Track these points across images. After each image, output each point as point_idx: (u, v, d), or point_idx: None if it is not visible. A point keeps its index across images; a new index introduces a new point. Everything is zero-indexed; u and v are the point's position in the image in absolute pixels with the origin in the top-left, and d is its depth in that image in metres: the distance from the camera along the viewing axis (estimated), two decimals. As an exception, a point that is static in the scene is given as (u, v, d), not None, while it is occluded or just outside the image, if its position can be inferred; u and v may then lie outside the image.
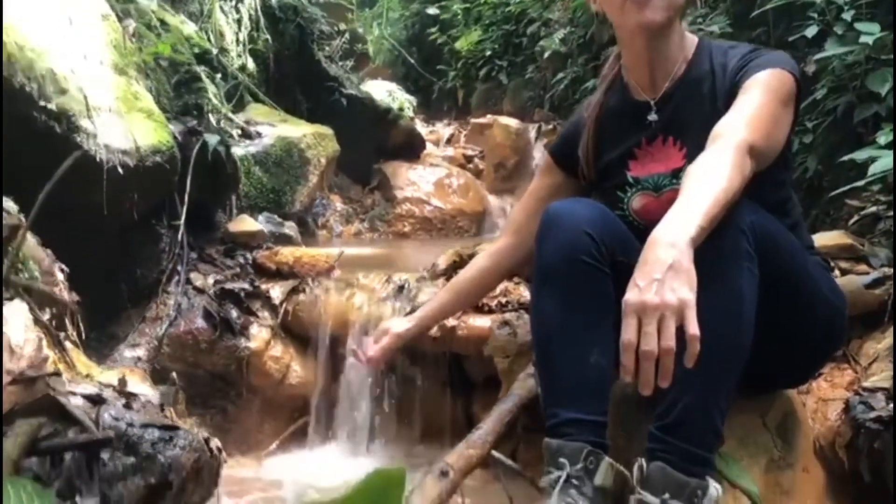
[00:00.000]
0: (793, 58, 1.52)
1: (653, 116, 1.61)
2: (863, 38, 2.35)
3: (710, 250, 1.21)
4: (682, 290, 1.11)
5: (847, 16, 2.49)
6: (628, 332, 1.11)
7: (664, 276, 1.12)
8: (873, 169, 2.08)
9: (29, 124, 2.09)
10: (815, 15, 2.59)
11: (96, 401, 1.46)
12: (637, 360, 1.11)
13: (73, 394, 1.44)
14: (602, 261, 1.48)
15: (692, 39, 1.63)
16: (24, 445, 1.06)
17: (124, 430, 1.40)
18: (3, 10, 2.01)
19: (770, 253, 1.36)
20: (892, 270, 2.04)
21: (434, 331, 2.14)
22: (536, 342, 1.54)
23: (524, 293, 2.34)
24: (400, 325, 1.87)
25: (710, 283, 1.18)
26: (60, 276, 2.10)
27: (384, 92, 5.28)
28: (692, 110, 1.57)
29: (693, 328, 1.10)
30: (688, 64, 1.60)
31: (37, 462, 1.17)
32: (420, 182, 4.43)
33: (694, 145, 1.55)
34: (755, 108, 1.39)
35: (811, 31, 2.58)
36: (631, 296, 1.14)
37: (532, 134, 4.79)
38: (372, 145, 4.59)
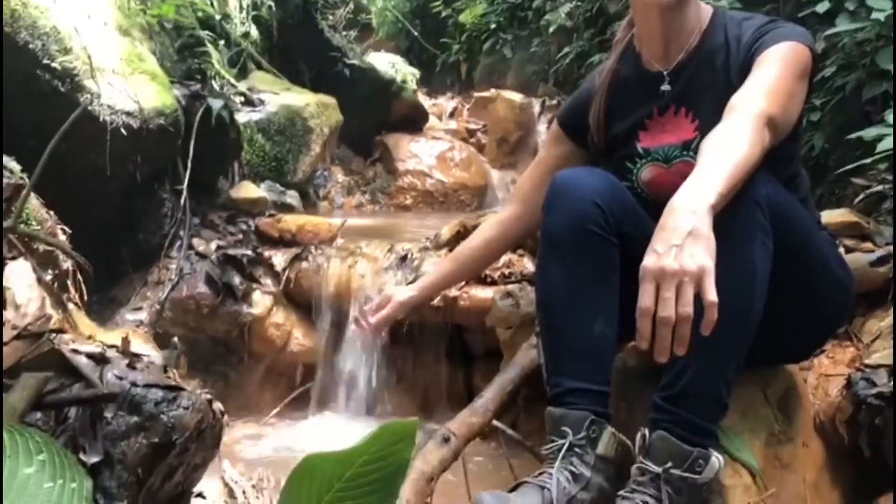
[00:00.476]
0: (802, 35, 1.50)
1: (665, 87, 1.59)
2: (875, 15, 2.33)
3: (724, 222, 1.19)
4: (702, 257, 1.10)
5: (859, -9, 2.46)
6: (646, 298, 1.10)
7: (683, 242, 1.11)
8: (882, 146, 2.07)
9: (33, 83, 2.07)
10: (827, -10, 2.57)
11: (99, 360, 1.45)
12: (653, 327, 1.10)
13: (77, 352, 1.44)
14: (609, 231, 1.47)
15: (707, 10, 1.61)
16: (31, 399, 1.06)
17: (128, 389, 1.40)
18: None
19: (783, 226, 1.35)
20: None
21: (436, 301, 2.14)
22: (541, 311, 1.54)
23: (527, 265, 2.34)
24: (402, 292, 1.86)
25: (724, 254, 1.16)
26: (63, 238, 2.10)
27: (387, 64, 5.22)
28: (705, 82, 1.55)
29: (712, 295, 1.08)
30: (702, 35, 1.58)
31: (41, 417, 1.17)
32: (422, 155, 4.42)
33: (706, 117, 1.54)
34: (773, 80, 1.38)
35: (822, 7, 2.55)
36: (649, 261, 1.12)
37: (536, 109, 4.77)
38: (374, 117, 4.57)
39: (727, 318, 1.18)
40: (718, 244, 1.14)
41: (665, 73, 1.59)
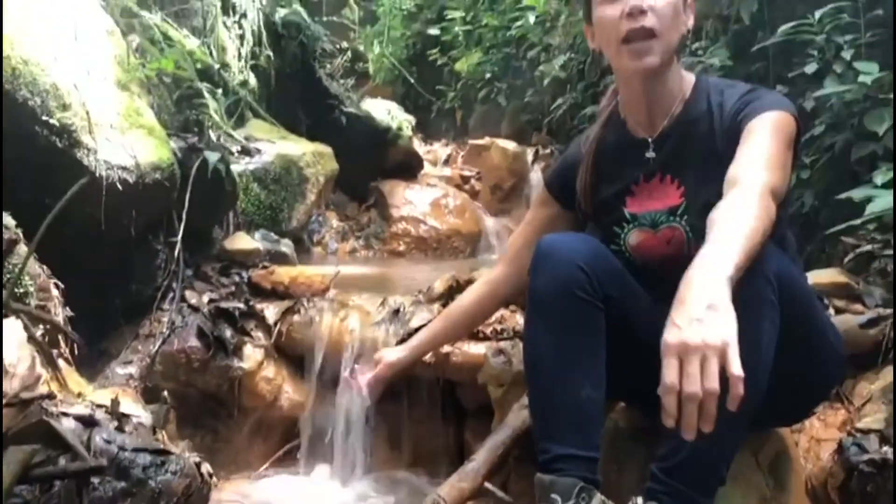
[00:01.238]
0: (791, 94, 1.53)
1: (650, 154, 1.62)
2: (861, 78, 2.37)
3: (735, 297, 1.16)
4: (724, 330, 1.08)
5: (846, 55, 2.51)
6: (670, 374, 1.07)
7: (704, 315, 1.09)
8: (871, 208, 2.09)
9: (31, 139, 2.09)
10: (815, 52, 2.61)
11: (88, 423, 1.45)
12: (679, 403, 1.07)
13: (66, 415, 1.44)
14: (595, 295, 1.48)
15: (689, 78, 1.64)
16: (17, 474, 1.05)
17: (116, 453, 1.40)
18: (2, 25, 2.02)
19: (789, 300, 1.36)
20: (886, 311, 2.05)
21: (428, 356, 2.14)
22: (529, 376, 1.54)
23: (520, 321, 2.33)
24: (393, 353, 1.89)
25: None
26: (55, 293, 2.10)
27: (383, 111, 5.27)
28: (690, 149, 1.58)
29: (737, 369, 1.06)
30: (685, 103, 1.61)
31: (26, 489, 1.16)
32: (416, 201, 4.43)
33: (691, 183, 1.57)
34: (768, 151, 1.40)
35: (810, 68, 2.60)
36: (670, 336, 1.10)
37: (529, 157, 4.82)
38: (370, 163, 4.59)
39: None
40: None
41: (650, 139, 1.62)
